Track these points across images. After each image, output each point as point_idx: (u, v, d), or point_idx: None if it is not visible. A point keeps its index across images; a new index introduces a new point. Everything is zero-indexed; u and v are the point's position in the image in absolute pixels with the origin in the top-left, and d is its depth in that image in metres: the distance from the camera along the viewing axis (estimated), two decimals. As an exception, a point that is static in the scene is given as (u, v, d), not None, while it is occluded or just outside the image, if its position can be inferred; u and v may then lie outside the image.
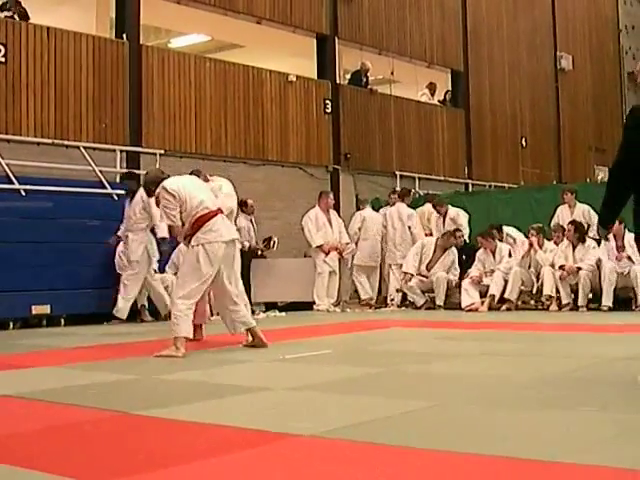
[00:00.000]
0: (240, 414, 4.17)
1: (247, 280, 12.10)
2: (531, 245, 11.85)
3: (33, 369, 6.17)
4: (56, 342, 8.44)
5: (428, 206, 13.99)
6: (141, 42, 13.14)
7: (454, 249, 12.69)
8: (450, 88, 19.13)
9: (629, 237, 11.00)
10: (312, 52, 16.13)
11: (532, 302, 12.16)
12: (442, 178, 17.89)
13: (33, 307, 10.24)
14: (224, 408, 4.39)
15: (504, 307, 11.69)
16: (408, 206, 13.85)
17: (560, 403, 4.20)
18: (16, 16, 11.61)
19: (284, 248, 13.72)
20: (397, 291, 13.15)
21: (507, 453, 3.13)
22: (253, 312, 11.84)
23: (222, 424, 3.86)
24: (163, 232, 10.11)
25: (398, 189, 15.26)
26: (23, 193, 10.54)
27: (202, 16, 14.27)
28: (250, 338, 7.26)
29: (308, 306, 12.65)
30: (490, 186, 18.76)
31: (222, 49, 16.72)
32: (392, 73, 17.08)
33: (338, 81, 16.28)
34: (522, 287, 11.88)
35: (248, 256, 11.98)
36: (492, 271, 11.99)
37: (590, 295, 11.30)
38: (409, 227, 13.45)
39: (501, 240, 12.38)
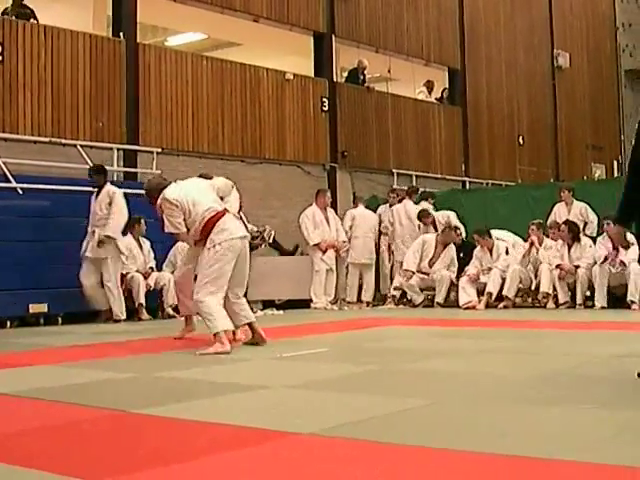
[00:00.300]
0: (239, 412, 4.17)
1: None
2: (532, 244, 11.86)
3: (31, 368, 6.16)
4: (53, 341, 8.44)
5: (424, 204, 13.99)
6: (138, 40, 13.11)
7: (453, 246, 12.71)
8: (447, 86, 19.14)
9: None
10: (309, 50, 16.12)
11: (529, 300, 12.17)
12: (439, 176, 17.88)
13: (30, 306, 10.23)
14: (222, 406, 4.39)
15: (501, 305, 11.70)
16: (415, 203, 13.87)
17: (558, 401, 4.20)
18: (14, 17, 11.63)
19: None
20: (395, 289, 13.14)
21: (505, 451, 3.14)
22: (251, 309, 11.90)
23: (221, 422, 3.86)
24: (109, 230, 10.20)
25: (397, 187, 15.28)
26: (20, 192, 10.53)
27: (199, 14, 14.25)
28: (250, 334, 7.30)
29: (305, 304, 12.65)
30: (487, 184, 18.77)
31: (219, 47, 16.71)
32: (389, 71, 17.06)
33: (335, 79, 16.27)
34: (520, 285, 11.88)
35: None
36: (489, 269, 11.99)
37: (588, 293, 11.31)
38: (418, 225, 13.45)
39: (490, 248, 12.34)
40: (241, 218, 9.12)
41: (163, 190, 7.13)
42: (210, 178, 7.93)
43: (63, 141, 11.69)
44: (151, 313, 11.02)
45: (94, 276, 10.45)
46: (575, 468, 2.92)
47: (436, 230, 13.17)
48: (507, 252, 12.10)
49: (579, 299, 11.23)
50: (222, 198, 7.50)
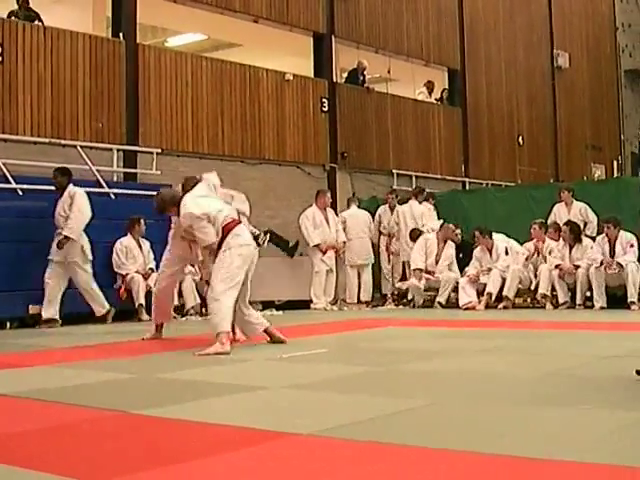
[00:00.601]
0: (238, 413, 4.17)
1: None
2: (536, 249, 11.87)
3: (30, 368, 6.16)
4: (53, 341, 8.44)
5: (425, 205, 14.00)
6: (138, 41, 13.12)
7: (452, 244, 12.73)
8: (447, 86, 19.14)
9: (624, 238, 11.00)
10: (309, 51, 16.13)
11: (529, 300, 12.17)
12: (439, 176, 17.89)
13: (30, 307, 10.22)
14: (222, 407, 4.39)
15: (501, 305, 11.70)
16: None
17: (558, 400, 4.21)
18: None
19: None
20: (392, 294, 13.24)
21: (505, 451, 3.14)
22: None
23: (220, 423, 3.86)
24: (68, 231, 10.07)
25: (395, 188, 15.28)
26: (20, 192, 10.53)
27: (199, 15, 14.26)
28: (268, 338, 7.43)
29: (305, 305, 12.65)
30: (487, 184, 18.76)
31: (219, 48, 16.72)
32: (389, 71, 17.07)
33: (335, 80, 16.28)
34: (520, 285, 11.88)
35: None
36: (489, 269, 12.00)
37: (588, 293, 11.31)
38: (422, 225, 13.44)
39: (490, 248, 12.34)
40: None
41: (181, 201, 7.21)
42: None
43: (63, 142, 11.70)
44: (151, 314, 10.99)
45: (61, 280, 10.24)
46: (575, 468, 2.92)
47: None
48: (507, 252, 12.10)
49: (579, 299, 11.23)
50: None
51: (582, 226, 12.08)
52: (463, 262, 12.62)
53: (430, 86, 18.47)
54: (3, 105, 11.23)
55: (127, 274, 11.06)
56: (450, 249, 12.70)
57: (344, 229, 13.33)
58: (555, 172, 21.54)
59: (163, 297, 8.01)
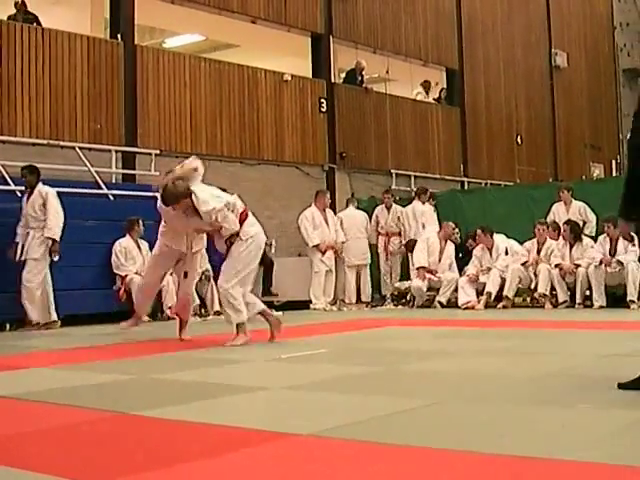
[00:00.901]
0: (238, 414, 4.17)
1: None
2: (538, 249, 11.87)
3: (30, 370, 6.16)
4: (53, 343, 8.43)
5: (427, 205, 13.99)
6: (136, 42, 13.13)
7: (451, 244, 12.75)
8: (445, 86, 19.15)
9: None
10: (307, 51, 16.14)
11: (528, 299, 12.17)
12: (438, 176, 17.90)
13: (30, 308, 10.21)
14: (222, 408, 4.39)
15: (501, 305, 11.70)
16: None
17: (558, 400, 4.20)
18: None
19: (280, 247, 13.73)
20: (392, 294, 13.25)
21: (505, 450, 3.13)
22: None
23: (220, 424, 3.86)
24: (53, 233, 9.91)
25: (391, 188, 15.28)
26: (19, 194, 10.52)
27: (197, 16, 14.27)
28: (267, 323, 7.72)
29: (305, 305, 12.65)
30: (486, 184, 18.78)
31: (217, 49, 16.73)
32: (387, 72, 17.09)
33: (333, 80, 16.29)
34: (520, 285, 11.88)
35: None
36: (488, 269, 12.00)
37: (587, 293, 11.31)
38: (422, 225, 13.45)
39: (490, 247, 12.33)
40: None
41: (190, 192, 7.29)
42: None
43: (61, 143, 11.70)
44: (150, 315, 10.99)
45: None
46: (575, 467, 2.92)
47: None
48: (507, 252, 12.11)
49: (578, 299, 11.23)
50: None
51: (581, 225, 12.09)
52: (462, 262, 12.64)
53: (426, 85, 18.49)
54: (1, 107, 11.23)
55: (126, 275, 11.06)
56: (451, 248, 12.72)
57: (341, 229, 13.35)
58: (554, 171, 21.56)
59: (148, 290, 8.23)
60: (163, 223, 7.85)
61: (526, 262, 11.78)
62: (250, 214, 7.64)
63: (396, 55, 17.58)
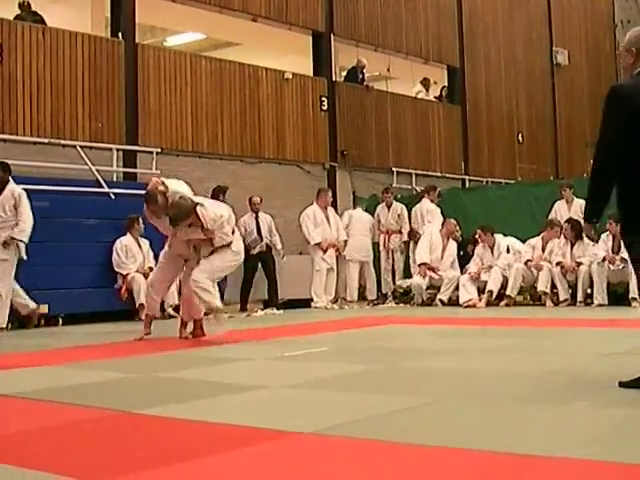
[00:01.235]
0: (239, 412, 4.17)
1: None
2: (544, 250, 11.86)
3: (31, 369, 6.16)
4: (54, 341, 8.44)
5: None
6: (137, 41, 13.12)
7: (453, 242, 12.75)
8: (446, 84, 19.14)
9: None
10: (308, 49, 16.13)
11: (529, 297, 12.17)
12: (439, 174, 17.89)
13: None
14: (223, 406, 4.39)
15: (503, 303, 11.70)
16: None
17: (558, 398, 4.21)
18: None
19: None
20: (394, 292, 13.25)
21: (504, 448, 3.14)
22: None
23: (222, 422, 3.86)
24: (25, 235, 9.59)
25: (391, 186, 15.27)
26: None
27: (197, 14, 14.26)
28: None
29: (306, 303, 12.66)
30: (487, 182, 18.77)
31: (218, 47, 16.72)
32: (388, 70, 17.07)
33: (334, 78, 16.28)
34: (522, 284, 11.88)
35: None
36: (490, 267, 12.00)
37: (589, 291, 11.31)
38: (428, 222, 13.43)
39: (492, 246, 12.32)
40: None
41: (196, 208, 7.49)
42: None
43: (62, 142, 11.70)
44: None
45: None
46: (574, 465, 2.92)
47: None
48: (508, 250, 12.10)
49: (580, 296, 11.23)
50: None
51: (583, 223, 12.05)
52: (463, 260, 12.64)
53: (426, 83, 18.47)
54: (2, 105, 11.24)
55: (128, 274, 11.06)
56: (453, 246, 12.72)
57: (347, 226, 13.37)
58: (555, 169, 21.54)
59: (159, 286, 8.20)
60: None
61: (529, 260, 11.76)
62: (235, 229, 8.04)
63: (397, 53, 17.56)
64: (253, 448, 3.33)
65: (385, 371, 5.56)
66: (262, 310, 12.01)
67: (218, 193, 11.57)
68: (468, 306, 11.68)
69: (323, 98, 15.74)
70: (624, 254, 10.91)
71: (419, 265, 12.64)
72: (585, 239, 11.49)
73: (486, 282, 11.90)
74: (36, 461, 3.22)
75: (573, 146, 22.45)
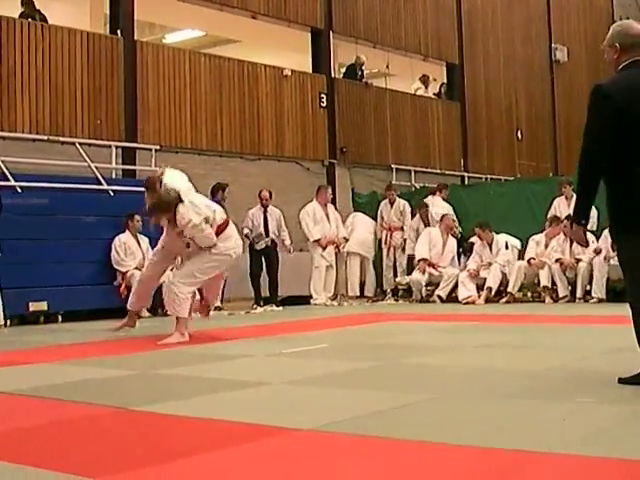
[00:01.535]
0: (239, 409, 4.17)
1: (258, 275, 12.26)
2: (546, 247, 11.86)
3: (30, 366, 6.16)
4: (53, 339, 8.44)
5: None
6: (135, 38, 13.12)
7: (453, 238, 12.75)
8: (445, 81, 19.13)
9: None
10: (307, 46, 16.13)
11: (529, 294, 12.18)
12: (438, 171, 17.89)
13: (30, 304, 10.23)
14: (223, 403, 4.39)
15: (503, 300, 11.70)
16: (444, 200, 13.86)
17: (558, 394, 4.21)
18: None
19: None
20: (393, 289, 13.26)
21: (504, 445, 3.14)
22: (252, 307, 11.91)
23: (221, 419, 3.86)
24: None
25: (394, 183, 15.28)
26: (19, 190, 10.52)
27: (197, 11, 14.26)
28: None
29: (305, 300, 12.66)
30: (486, 179, 18.77)
31: (217, 44, 16.71)
32: (387, 66, 17.07)
33: (333, 75, 16.28)
34: (524, 281, 11.88)
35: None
36: (489, 264, 12.00)
37: (588, 287, 11.31)
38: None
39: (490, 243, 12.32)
40: None
41: (178, 203, 7.28)
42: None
43: (61, 139, 11.70)
44: (150, 310, 11.00)
45: None
46: (575, 461, 2.92)
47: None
48: (507, 247, 12.10)
49: (579, 293, 11.23)
50: None
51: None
52: (462, 255, 12.66)
53: (425, 80, 18.47)
54: (1, 102, 11.23)
55: (127, 271, 11.06)
56: (453, 242, 12.73)
57: (350, 225, 13.40)
58: (554, 166, 21.54)
59: (147, 283, 8.20)
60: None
61: (532, 258, 11.75)
62: (230, 226, 7.69)
63: (396, 50, 17.56)
64: (253, 444, 3.32)
65: (384, 368, 5.56)
66: (261, 307, 12.01)
67: (217, 190, 11.57)
68: (467, 303, 11.68)
69: (322, 95, 15.74)
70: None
71: (419, 261, 12.64)
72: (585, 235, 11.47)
73: (485, 279, 11.90)
74: (35, 458, 3.22)
75: (572, 143, 22.37)
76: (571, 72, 22.73)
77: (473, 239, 12.60)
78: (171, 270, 9.34)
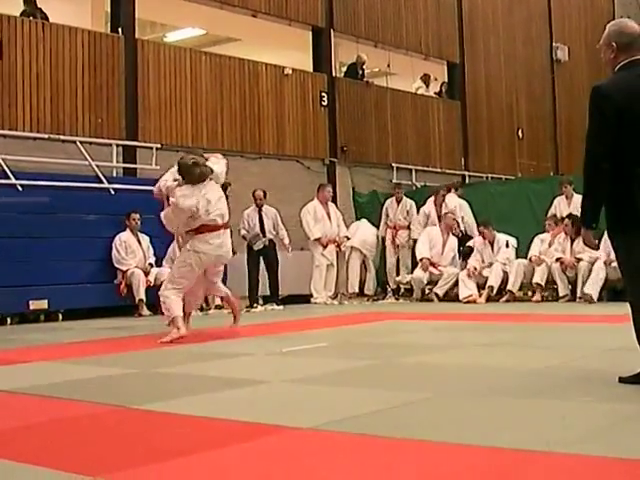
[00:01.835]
0: (239, 407, 4.18)
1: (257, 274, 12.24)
2: (550, 246, 11.85)
3: (31, 364, 6.17)
4: (54, 337, 8.45)
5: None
6: (136, 36, 13.11)
7: (454, 237, 12.75)
8: (446, 80, 19.12)
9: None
10: (308, 45, 16.11)
11: (529, 293, 12.17)
12: (439, 170, 17.88)
13: (31, 302, 10.24)
14: (223, 401, 4.39)
15: (504, 299, 11.71)
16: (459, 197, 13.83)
17: (558, 393, 4.21)
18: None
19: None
20: (393, 288, 13.26)
21: (504, 444, 3.14)
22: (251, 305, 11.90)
23: (221, 417, 3.87)
24: None
25: (399, 182, 15.29)
26: (20, 188, 10.53)
27: (197, 10, 14.24)
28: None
29: (305, 299, 12.66)
30: (487, 178, 18.76)
31: (218, 43, 16.69)
32: (388, 65, 17.06)
33: (334, 74, 16.26)
34: (524, 280, 11.88)
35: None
36: (490, 263, 12.01)
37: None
38: (462, 217, 13.34)
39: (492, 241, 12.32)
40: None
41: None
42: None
43: (62, 137, 11.69)
44: (151, 309, 11.01)
45: None
46: (575, 460, 2.92)
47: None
48: (507, 245, 12.10)
49: (579, 292, 11.22)
50: None
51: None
52: (462, 254, 12.67)
53: (426, 79, 18.46)
54: (2, 101, 11.22)
55: (127, 269, 11.07)
56: (453, 241, 12.72)
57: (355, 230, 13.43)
58: (555, 165, 21.53)
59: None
60: None
61: (533, 256, 11.75)
62: (217, 233, 7.54)
63: (397, 49, 17.53)
64: (253, 443, 3.33)
65: (384, 366, 5.56)
66: (262, 305, 12.01)
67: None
68: (468, 302, 11.69)
69: (323, 94, 15.72)
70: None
71: (420, 259, 12.64)
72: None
73: (487, 278, 11.90)
74: (35, 456, 3.22)
75: (573, 142, 22.39)
76: (572, 71, 22.71)
77: (471, 243, 12.60)
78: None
